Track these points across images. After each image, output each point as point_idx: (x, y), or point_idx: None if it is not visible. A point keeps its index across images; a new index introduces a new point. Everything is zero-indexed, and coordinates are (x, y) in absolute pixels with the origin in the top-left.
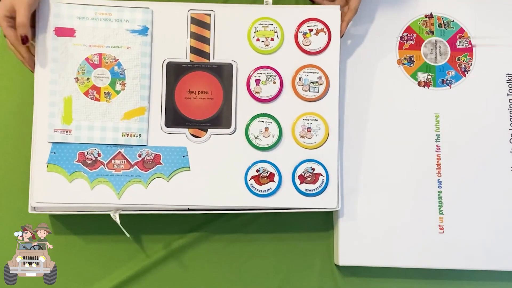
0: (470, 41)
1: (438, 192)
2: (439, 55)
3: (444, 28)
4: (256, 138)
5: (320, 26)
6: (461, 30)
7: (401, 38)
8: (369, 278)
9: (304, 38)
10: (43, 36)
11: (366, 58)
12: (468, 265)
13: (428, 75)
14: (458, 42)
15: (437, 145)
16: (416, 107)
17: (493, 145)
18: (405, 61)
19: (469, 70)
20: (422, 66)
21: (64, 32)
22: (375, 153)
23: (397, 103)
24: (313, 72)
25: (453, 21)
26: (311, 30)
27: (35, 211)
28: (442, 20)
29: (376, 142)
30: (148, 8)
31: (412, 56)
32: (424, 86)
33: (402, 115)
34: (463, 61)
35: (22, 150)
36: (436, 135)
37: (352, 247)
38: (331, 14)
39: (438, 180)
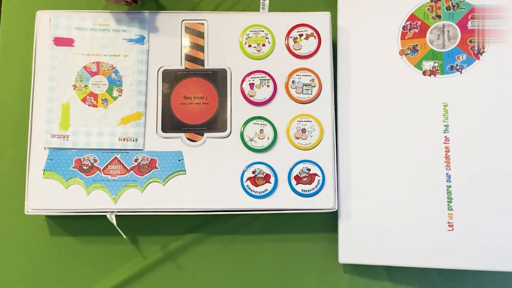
0: None
1: (447, 186)
2: (447, 40)
3: (453, 10)
4: (251, 140)
5: (309, 31)
6: (473, 10)
7: (404, 27)
8: (372, 279)
9: (295, 43)
10: (42, 45)
11: (366, 53)
12: (481, 266)
13: (434, 62)
14: (470, 23)
15: (445, 137)
16: (421, 98)
17: (506, 135)
18: (408, 51)
19: (483, 52)
20: (428, 54)
21: (63, 42)
22: (379, 148)
23: (400, 96)
24: (306, 75)
25: (464, 1)
26: (301, 35)
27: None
28: (450, 1)
29: (380, 137)
30: (145, 18)
31: (416, 44)
32: (430, 75)
33: (407, 108)
34: (476, 42)
35: (19, 154)
36: (445, 125)
37: (356, 245)
38: (320, 19)
39: (446, 173)
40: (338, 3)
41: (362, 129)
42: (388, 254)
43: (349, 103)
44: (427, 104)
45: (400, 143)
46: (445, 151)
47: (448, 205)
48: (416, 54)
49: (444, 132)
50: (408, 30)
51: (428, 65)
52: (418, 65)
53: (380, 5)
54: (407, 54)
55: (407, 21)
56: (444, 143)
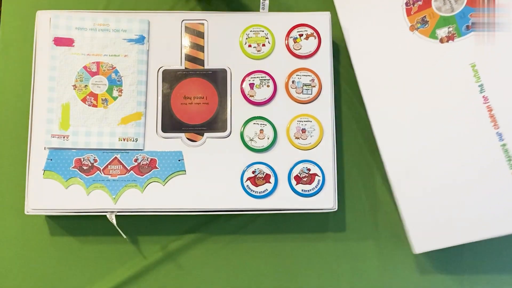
0: None
1: (502, 145)
2: (454, 2)
3: None
4: (251, 140)
5: (309, 31)
6: None
7: (407, 4)
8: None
9: (295, 43)
10: (42, 45)
11: (377, 41)
12: None
13: (448, 28)
14: None
15: (483, 96)
16: (447, 66)
17: None
18: (418, 25)
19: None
20: (439, 22)
21: (63, 42)
22: (421, 130)
23: (425, 71)
24: (306, 75)
25: None
26: (301, 35)
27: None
28: None
29: (418, 119)
30: (145, 18)
31: (425, 16)
32: (448, 41)
33: (436, 81)
34: None
35: (19, 154)
36: (479, 86)
37: (426, 232)
38: (320, 19)
39: (497, 132)
40: (336, 4)
41: (398, 116)
42: (460, 232)
43: (376, 94)
44: (455, 70)
45: (441, 118)
46: (488, 111)
47: (509, 163)
48: (426, 25)
49: (481, 92)
50: (412, 5)
51: (442, 32)
52: (433, 35)
53: None
54: (418, 28)
55: None
56: (484, 103)
